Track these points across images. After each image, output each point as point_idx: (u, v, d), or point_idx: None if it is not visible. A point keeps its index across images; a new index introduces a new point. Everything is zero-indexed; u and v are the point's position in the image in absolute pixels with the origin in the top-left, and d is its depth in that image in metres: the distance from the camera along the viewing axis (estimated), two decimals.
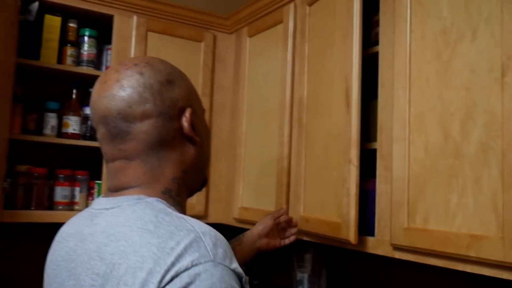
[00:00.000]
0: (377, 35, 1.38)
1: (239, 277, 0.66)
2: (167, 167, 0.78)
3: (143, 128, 0.76)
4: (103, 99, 0.76)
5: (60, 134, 1.82)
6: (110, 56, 1.85)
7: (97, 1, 1.82)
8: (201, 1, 2.02)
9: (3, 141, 1.61)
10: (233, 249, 1.33)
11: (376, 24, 1.39)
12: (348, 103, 1.29)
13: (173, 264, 0.62)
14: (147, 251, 0.64)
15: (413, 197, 1.16)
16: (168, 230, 0.67)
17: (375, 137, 1.32)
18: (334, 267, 1.87)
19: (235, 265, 0.66)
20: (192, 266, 0.62)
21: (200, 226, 0.68)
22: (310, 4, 1.55)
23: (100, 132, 0.78)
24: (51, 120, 1.81)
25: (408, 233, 1.15)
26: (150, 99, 0.76)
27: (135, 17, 1.85)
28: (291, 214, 1.58)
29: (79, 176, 1.87)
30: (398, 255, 1.20)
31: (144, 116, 0.75)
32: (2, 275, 1.90)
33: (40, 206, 1.77)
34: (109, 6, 1.83)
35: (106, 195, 0.81)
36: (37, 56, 1.75)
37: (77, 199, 1.86)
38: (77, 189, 1.86)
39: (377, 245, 1.26)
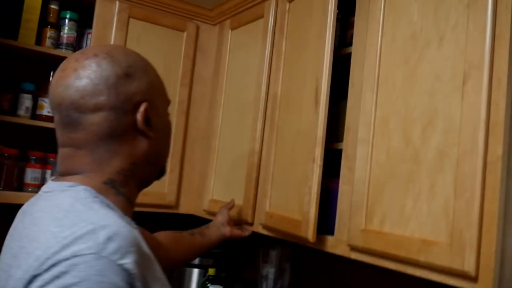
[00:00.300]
0: (352, 36, 1.38)
1: (128, 273, 0.64)
2: (115, 159, 0.79)
3: (95, 120, 0.77)
4: (59, 87, 0.77)
5: (35, 116, 1.81)
6: (90, 40, 1.84)
7: None
8: None
9: None
10: (201, 234, 1.38)
11: (352, 25, 1.38)
12: (316, 102, 1.29)
13: (56, 253, 0.63)
14: (44, 238, 0.66)
15: (371, 199, 1.16)
16: (73, 220, 0.67)
17: (342, 138, 1.33)
18: (298, 264, 1.88)
19: (127, 260, 0.65)
20: (73, 256, 0.62)
21: (104, 220, 0.68)
22: (290, 1, 1.54)
23: (55, 118, 0.80)
24: (26, 101, 1.79)
25: (364, 235, 1.15)
26: (104, 91, 0.76)
27: (117, 3, 1.84)
28: (257, 209, 1.58)
29: (51, 159, 1.86)
30: (354, 255, 1.21)
31: (96, 108, 0.76)
32: None
33: (9, 187, 1.76)
34: None
35: (54, 179, 0.82)
36: (15, 36, 1.73)
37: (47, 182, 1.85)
38: (49, 172, 1.85)
39: (335, 244, 1.27)
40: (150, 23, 1.91)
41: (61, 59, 1.82)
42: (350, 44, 1.36)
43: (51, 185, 0.79)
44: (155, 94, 0.84)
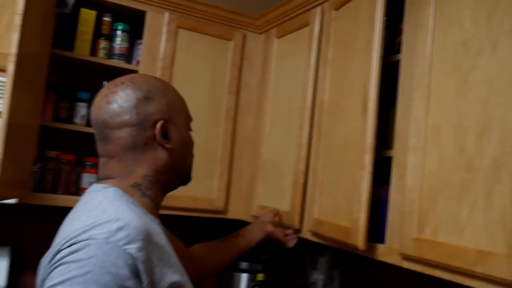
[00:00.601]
0: (400, 43, 1.37)
1: (131, 256, 0.78)
2: (140, 166, 0.97)
3: (121, 135, 0.95)
4: (95, 110, 0.98)
5: (90, 123, 1.89)
6: (141, 50, 1.91)
7: None
8: (232, 1, 2.06)
9: (34, 127, 1.69)
10: (239, 236, 1.54)
11: (400, 32, 1.38)
12: (365, 110, 1.29)
13: (77, 235, 0.80)
14: (75, 224, 0.83)
15: (424, 207, 1.15)
16: (97, 213, 0.85)
17: (392, 145, 1.32)
18: (347, 271, 1.87)
19: (132, 246, 0.79)
20: (88, 239, 0.79)
21: (120, 214, 0.84)
22: (336, 9, 1.55)
23: (95, 134, 1.00)
24: (82, 109, 1.88)
25: (417, 244, 1.14)
26: (127, 112, 0.95)
27: (166, 14, 1.90)
28: (306, 215, 1.59)
29: None
30: (406, 265, 1.20)
31: (121, 125, 0.95)
32: (29, 254, 2.00)
33: (67, 191, 1.84)
34: (143, 2, 1.89)
35: (95, 182, 1.01)
36: (71, 48, 1.82)
37: None
38: None
39: (386, 253, 1.27)
40: (198, 32, 1.96)
41: (114, 68, 1.93)
42: (398, 51, 1.36)
43: (92, 187, 0.98)
44: (173, 113, 1.01)
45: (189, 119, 1.07)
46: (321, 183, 1.52)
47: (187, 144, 1.06)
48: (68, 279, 0.76)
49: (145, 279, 0.80)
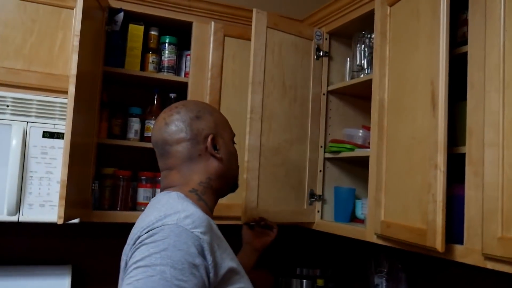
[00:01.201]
0: (464, 34, 1.32)
1: (197, 237, 0.95)
2: (195, 175, 1.14)
3: (179, 149, 1.14)
4: (155, 132, 1.17)
5: (143, 137, 1.90)
6: (189, 62, 1.91)
7: (177, 9, 1.88)
8: (276, 5, 2.04)
9: (92, 145, 1.70)
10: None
11: (463, 23, 1.33)
12: (434, 106, 1.25)
13: (152, 224, 0.97)
14: (148, 218, 1.00)
15: (507, 205, 1.10)
16: (166, 208, 1.02)
17: (462, 141, 1.27)
18: (414, 273, 1.82)
19: (198, 230, 0.96)
20: (162, 225, 0.95)
21: (186, 208, 1.01)
22: (391, 5, 1.51)
23: (156, 152, 1.19)
24: (135, 124, 1.89)
25: (502, 243, 1.09)
26: (183, 129, 1.14)
27: (212, 23, 1.90)
28: (371, 217, 1.55)
29: (159, 178, 1.94)
30: (490, 265, 1.15)
31: (179, 141, 1.14)
32: (90, 271, 2.02)
33: (125, 207, 1.86)
34: (188, 13, 1.89)
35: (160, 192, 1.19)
36: (122, 64, 1.84)
37: None
38: (158, 190, 1.94)
39: (466, 254, 1.21)
40: (244, 39, 1.94)
41: (164, 81, 1.94)
42: (462, 43, 1.31)
43: (157, 195, 1.18)
44: (220, 129, 1.19)
45: (232, 134, 1.25)
46: (385, 185, 1.47)
47: (233, 155, 1.23)
48: (147, 256, 0.91)
49: (209, 258, 0.95)
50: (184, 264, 0.91)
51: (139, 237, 0.98)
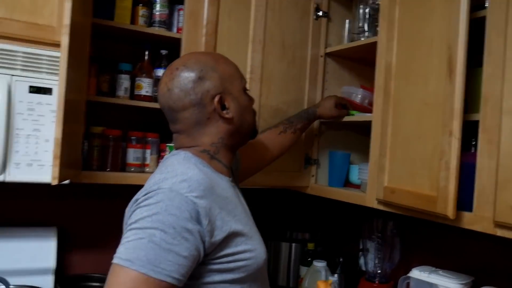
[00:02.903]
0: None
1: (192, 201, 0.94)
2: (205, 137, 1.12)
3: (186, 115, 1.11)
4: (160, 97, 1.14)
5: (133, 95, 1.81)
6: (182, 17, 1.80)
7: None
8: None
9: (81, 102, 1.61)
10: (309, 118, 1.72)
11: None
12: (451, 72, 1.22)
13: (150, 187, 0.97)
14: (151, 181, 1.01)
15: None
16: (168, 170, 1.02)
17: (476, 108, 1.25)
18: (409, 239, 1.84)
19: (193, 194, 0.95)
20: (157, 189, 0.96)
21: (186, 171, 1.01)
22: None
23: (165, 115, 1.16)
24: (124, 82, 1.79)
25: None
26: (187, 94, 1.09)
27: None
28: (372, 182, 1.54)
29: (149, 139, 1.86)
30: (500, 232, 1.16)
31: (184, 107, 1.10)
32: (81, 233, 1.96)
33: (115, 168, 1.77)
34: None
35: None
36: (111, 17, 1.72)
37: (148, 161, 1.86)
38: (148, 151, 1.86)
39: (475, 221, 1.22)
40: None
41: (155, 37, 1.83)
42: (479, 7, 1.27)
43: (168, 154, 1.20)
44: (227, 84, 1.13)
45: (243, 83, 1.18)
46: (391, 151, 1.45)
47: (245, 107, 1.18)
48: (140, 218, 0.93)
49: (205, 223, 0.95)
50: (175, 228, 0.92)
51: (137, 199, 0.99)
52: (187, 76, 1.09)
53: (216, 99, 1.10)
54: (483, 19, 1.23)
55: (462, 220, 1.25)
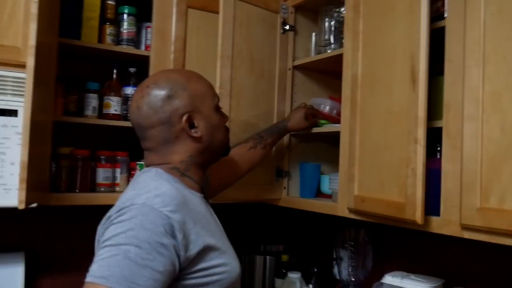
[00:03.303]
0: (438, 9, 1.33)
1: (166, 216, 0.95)
2: (175, 155, 1.12)
3: (154, 133, 1.11)
4: (130, 115, 1.15)
5: (101, 114, 1.79)
6: (150, 34, 1.81)
7: None
8: None
9: (48, 123, 1.59)
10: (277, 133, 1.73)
11: None
12: (414, 81, 1.26)
13: (123, 203, 0.97)
14: (123, 197, 1.01)
15: (486, 177, 1.13)
16: (141, 186, 1.02)
17: (438, 115, 1.29)
18: (381, 246, 1.87)
19: (167, 209, 0.95)
20: (130, 205, 0.95)
21: (158, 187, 1.01)
22: None
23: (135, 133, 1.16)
24: (92, 101, 1.78)
25: (481, 214, 1.13)
26: (155, 112, 1.09)
27: None
28: (342, 192, 1.56)
29: (119, 157, 1.85)
30: (467, 235, 1.19)
31: (153, 125, 1.10)
32: (50, 256, 1.91)
33: (84, 188, 1.75)
34: None
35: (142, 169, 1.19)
36: (78, 36, 1.71)
37: (118, 180, 1.84)
38: (118, 170, 1.85)
39: (443, 225, 1.25)
40: (208, 11, 1.86)
41: (123, 55, 1.83)
42: (439, 17, 1.32)
43: (140, 171, 1.22)
44: (197, 102, 1.13)
45: (215, 101, 1.18)
46: (360, 160, 1.48)
47: (216, 126, 1.18)
48: (114, 235, 0.92)
49: (179, 237, 0.95)
50: (150, 244, 0.91)
51: (109, 216, 0.98)
52: (157, 94, 1.09)
53: (185, 118, 1.10)
54: (442, 29, 1.28)
55: (430, 225, 1.28)
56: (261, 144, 1.64)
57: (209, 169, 1.34)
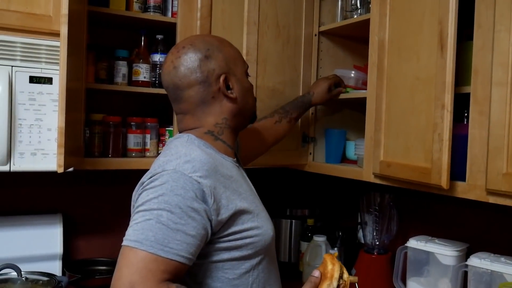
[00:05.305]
0: None
1: (196, 181, 0.97)
2: (210, 117, 1.14)
3: (190, 94, 1.12)
4: (164, 75, 1.15)
5: (131, 82, 1.83)
6: (177, 1, 1.82)
7: None
8: None
9: (81, 90, 1.63)
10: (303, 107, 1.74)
11: None
12: (442, 46, 1.25)
13: (155, 170, 1.01)
14: (156, 164, 1.04)
15: None
16: (171, 153, 1.04)
17: (466, 81, 1.29)
18: (406, 211, 1.90)
19: (197, 174, 0.98)
20: (162, 171, 0.99)
21: (189, 152, 1.03)
22: None
23: (168, 96, 1.17)
24: (122, 68, 1.81)
25: (507, 179, 1.14)
26: (193, 72, 1.10)
27: None
28: (368, 157, 1.58)
29: (149, 124, 1.89)
30: (492, 199, 1.21)
31: (190, 85, 1.11)
32: (85, 219, 2.00)
33: (116, 154, 1.81)
34: None
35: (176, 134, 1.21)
36: (106, 3, 1.73)
37: (148, 146, 1.89)
38: (148, 136, 1.89)
39: (468, 189, 1.27)
40: None
41: (150, 22, 1.85)
42: None
43: (172, 138, 1.18)
44: (232, 65, 1.15)
45: (245, 66, 1.21)
46: (386, 126, 1.50)
47: (248, 90, 1.21)
48: (147, 201, 0.96)
49: (210, 202, 0.98)
50: (181, 208, 0.94)
51: (142, 182, 1.02)
52: (193, 54, 1.11)
53: (222, 78, 1.12)
54: None
55: (456, 190, 1.30)
56: (286, 118, 1.66)
57: (239, 138, 1.38)
